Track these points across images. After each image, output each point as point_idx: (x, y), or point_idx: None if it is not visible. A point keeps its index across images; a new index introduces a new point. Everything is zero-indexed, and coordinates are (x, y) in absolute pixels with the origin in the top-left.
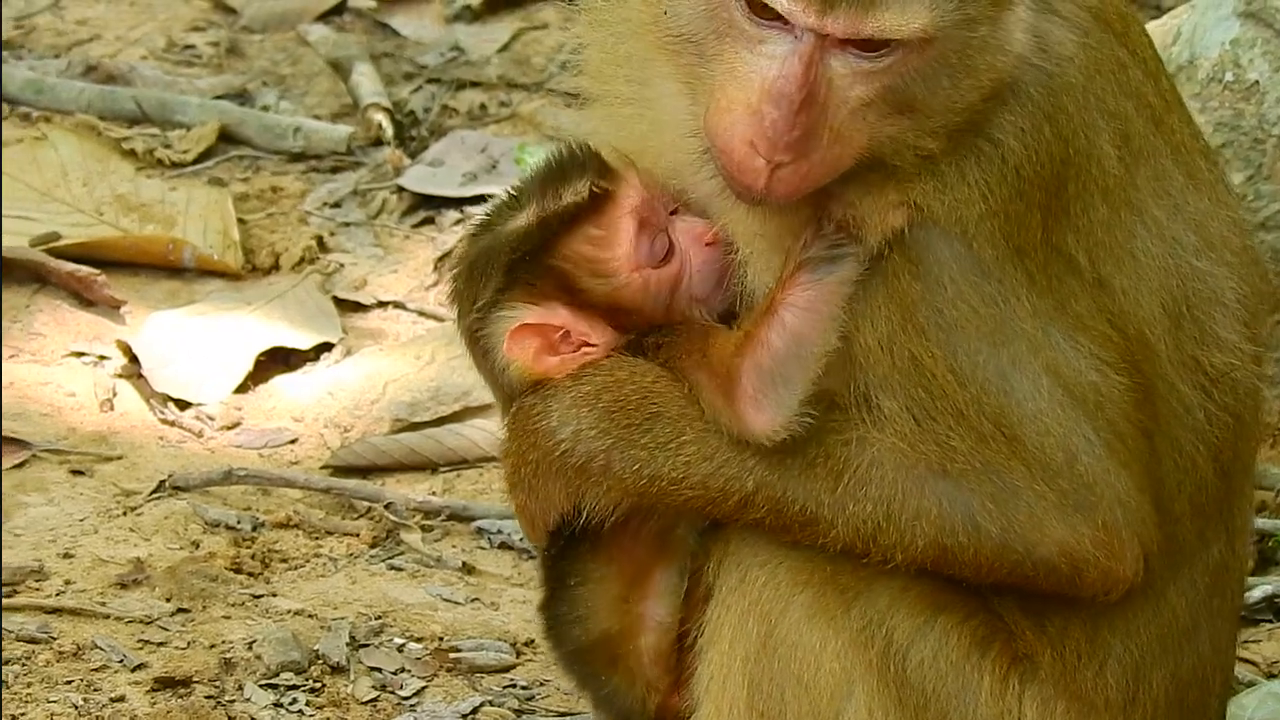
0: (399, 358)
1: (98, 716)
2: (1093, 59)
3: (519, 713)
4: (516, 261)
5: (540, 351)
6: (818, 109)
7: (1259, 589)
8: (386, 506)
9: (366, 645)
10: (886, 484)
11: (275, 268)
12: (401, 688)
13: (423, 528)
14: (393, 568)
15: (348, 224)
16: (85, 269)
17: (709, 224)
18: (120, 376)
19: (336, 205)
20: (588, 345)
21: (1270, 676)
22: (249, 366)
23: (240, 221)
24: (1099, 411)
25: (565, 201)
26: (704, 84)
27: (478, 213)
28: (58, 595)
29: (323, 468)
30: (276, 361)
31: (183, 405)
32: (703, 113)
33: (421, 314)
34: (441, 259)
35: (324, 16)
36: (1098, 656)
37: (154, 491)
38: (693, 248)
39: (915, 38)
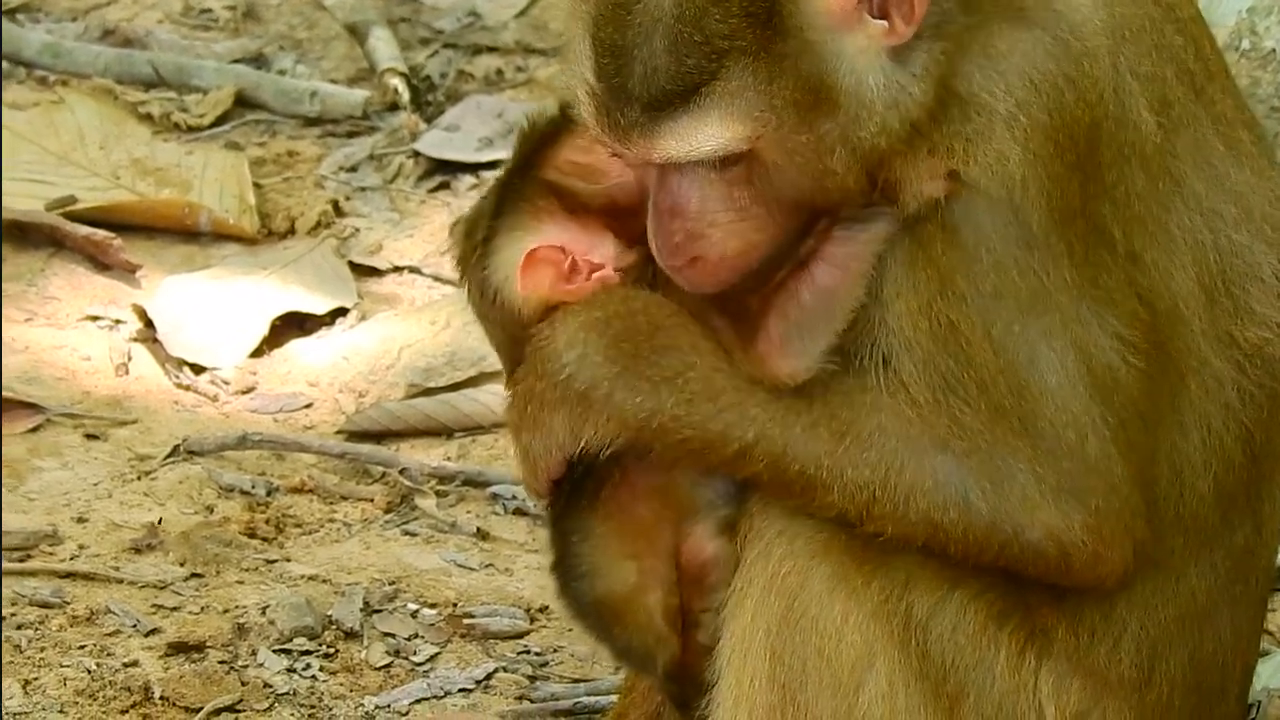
0: (414, 323)
1: (111, 681)
2: (1119, 19)
3: (533, 679)
4: (508, 184)
5: (556, 280)
6: (689, 216)
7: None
8: (401, 472)
9: (380, 611)
10: (887, 452)
11: (291, 232)
12: (415, 653)
13: (437, 493)
14: (407, 533)
15: (363, 189)
16: (101, 233)
17: None
18: (135, 340)
19: (352, 170)
20: (596, 269)
21: None
22: (264, 331)
23: (256, 186)
24: (1111, 395)
25: (543, 128)
26: None
27: (493, 177)
28: (71, 560)
29: (337, 433)
30: (291, 326)
31: (198, 369)
32: None
33: (437, 279)
34: (457, 224)
35: None
36: (1112, 633)
37: (168, 456)
38: None
39: (719, 154)
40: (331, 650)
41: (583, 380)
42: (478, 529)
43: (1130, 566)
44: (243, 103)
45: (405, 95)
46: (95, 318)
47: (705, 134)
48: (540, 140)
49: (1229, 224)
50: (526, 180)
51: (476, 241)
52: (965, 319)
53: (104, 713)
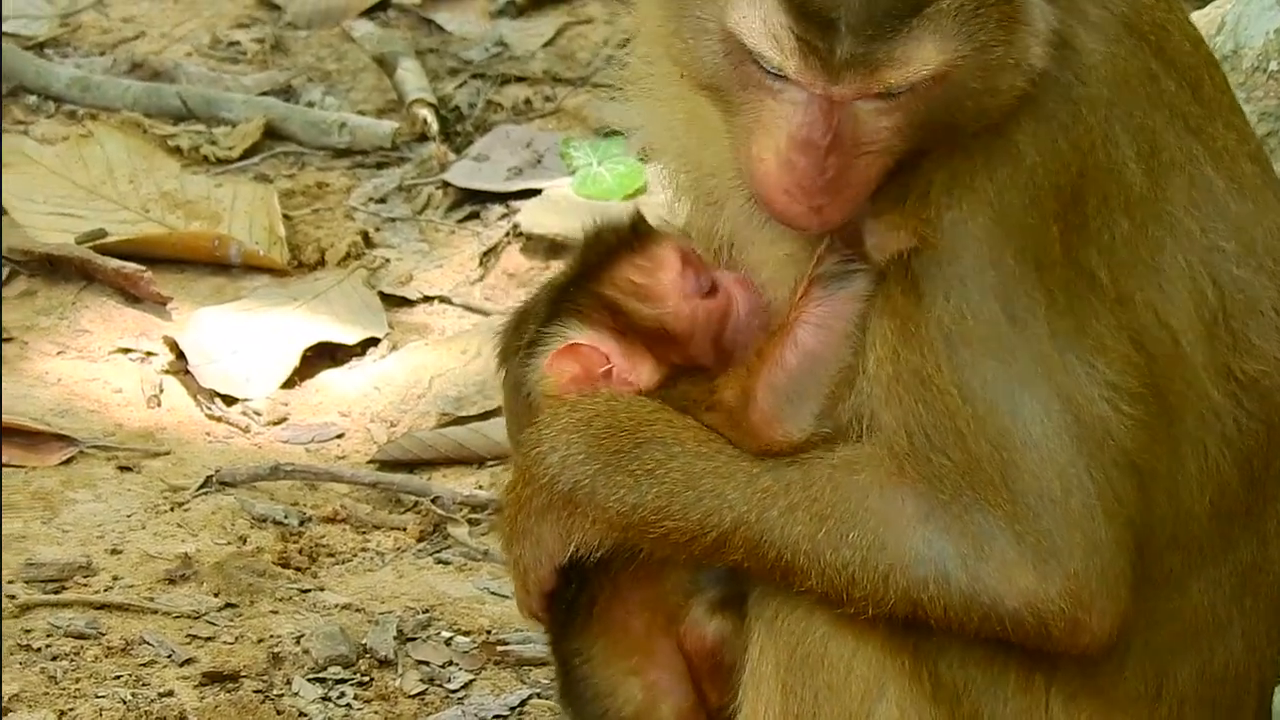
0: (445, 352)
1: (146, 711)
2: (1120, 71)
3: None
4: (564, 291)
5: (577, 378)
6: (845, 149)
7: None
8: (433, 500)
9: (414, 639)
10: (867, 531)
11: (321, 263)
12: (449, 681)
13: (470, 521)
14: (440, 561)
15: (393, 219)
16: (132, 266)
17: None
18: (167, 372)
19: (382, 200)
20: (627, 385)
21: None
22: (295, 362)
23: (286, 217)
24: (1100, 449)
25: (608, 239)
26: (736, 129)
27: (523, 207)
28: (106, 591)
29: (369, 462)
30: (323, 357)
31: (229, 401)
32: (738, 159)
33: (467, 308)
34: (487, 254)
35: (369, 12)
36: (1116, 653)
37: (201, 487)
38: (736, 288)
39: (928, 79)
40: (366, 679)
41: (566, 481)
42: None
43: (1114, 637)
44: (272, 135)
45: (434, 126)
46: (127, 350)
47: (923, 58)
48: (604, 252)
49: (1229, 259)
50: (583, 291)
51: (522, 342)
52: (931, 366)
53: None
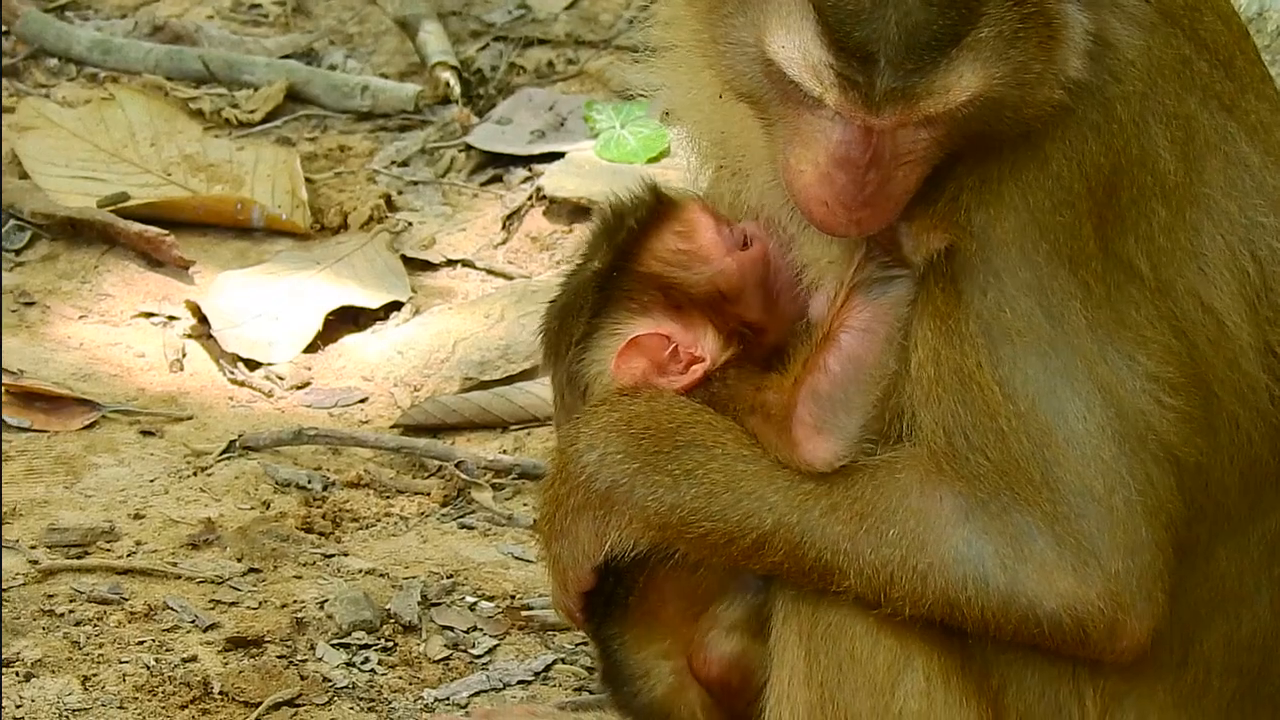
0: (468, 316)
1: (170, 677)
2: (1155, 62)
3: (591, 670)
4: (607, 279)
5: (648, 372)
6: (884, 164)
7: None
8: (457, 465)
9: (438, 604)
10: (908, 530)
11: (343, 227)
12: (474, 646)
13: (494, 486)
14: (464, 526)
15: (416, 182)
16: (154, 229)
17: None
18: (189, 337)
19: (404, 164)
20: (696, 361)
21: None
22: (318, 326)
23: (308, 181)
24: (1142, 446)
25: (635, 217)
26: (774, 137)
27: (546, 170)
28: (129, 556)
29: (393, 427)
30: (345, 321)
31: (252, 365)
32: (777, 164)
33: (490, 272)
34: (510, 217)
35: None
36: None
37: (224, 452)
38: (764, 233)
39: (966, 103)
40: (390, 644)
41: (604, 480)
42: (534, 521)
43: (1150, 640)
44: (294, 98)
45: (456, 89)
46: (149, 314)
47: (963, 85)
48: (636, 229)
49: (1269, 233)
50: (626, 275)
51: (572, 337)
52: (972, 363)
53: (163, 708)
